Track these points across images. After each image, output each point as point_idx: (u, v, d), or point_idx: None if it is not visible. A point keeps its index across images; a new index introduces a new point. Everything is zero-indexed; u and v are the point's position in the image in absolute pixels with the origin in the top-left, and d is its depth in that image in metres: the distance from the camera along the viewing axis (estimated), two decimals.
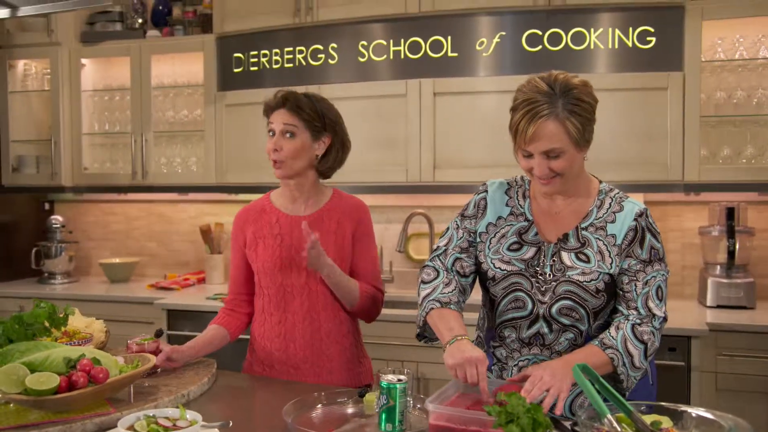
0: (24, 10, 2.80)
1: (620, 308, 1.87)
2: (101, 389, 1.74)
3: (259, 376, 2.30)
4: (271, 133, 2.24)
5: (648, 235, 1.86)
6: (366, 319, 2.36)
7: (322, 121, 2.23)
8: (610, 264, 1.86)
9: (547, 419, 1.48)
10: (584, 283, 1.86)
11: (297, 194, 2.31)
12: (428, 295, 1.97)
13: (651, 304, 1.84)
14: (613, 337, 1.80)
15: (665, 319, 1.86)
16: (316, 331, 2.25)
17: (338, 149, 2.29)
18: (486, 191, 2.03)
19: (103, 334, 2.37)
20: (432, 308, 1.93)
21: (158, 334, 2.24)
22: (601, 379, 1.56)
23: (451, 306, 1.92)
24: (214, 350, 2.30)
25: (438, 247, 2.06)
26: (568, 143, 1.77)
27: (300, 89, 3.53)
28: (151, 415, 1.61)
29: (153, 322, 3.69)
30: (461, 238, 2.02)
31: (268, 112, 2.27)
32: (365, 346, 2.43)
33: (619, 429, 1.42)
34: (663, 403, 1.54)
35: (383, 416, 1.62)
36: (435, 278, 2.00)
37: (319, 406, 1.84)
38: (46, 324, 2.00)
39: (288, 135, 2.20)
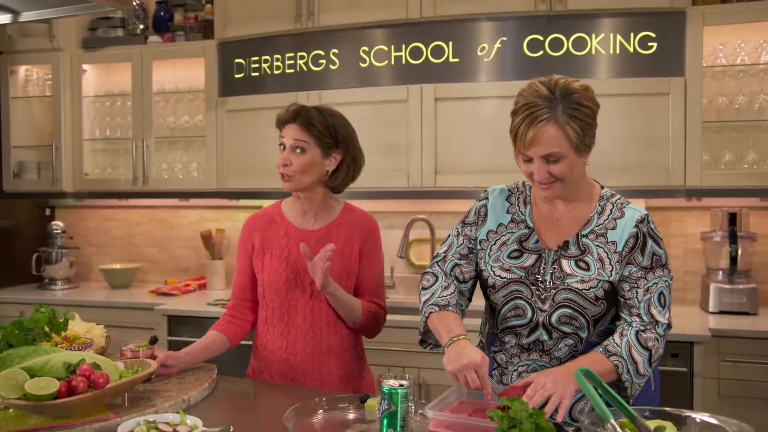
0: (25, 16, 2.80)
1: (623, 315, 1.86)
2: (101, 394, 1.73)
3: (259, 381, 2.29)
4: (281, 147, 2.23)
5: (649, 242, 1.85)
6: (367, 335, 2.36)
7: (334, 137, 2.22)
8: (610, 271, 1.85)
9: (550, 425, 1.47)
10: (583, 291, 1.85)
11: (306, 207, 2.30)
12: (427, 300, 1.98)
13: (653, 311, 1.83)
14: (617, 344, 1.79)
15: (669, 325, 1.84)
16: (317, 346, 2.25)
17: (349, 166, 2.27)
18: (487, 198, 2.03)
19: (104, 340, 2.36)
20: (431, 312, 1.94)
21: (153, 340, 2.23)
22: (604, 384, 1.55)
23: (449, 308, 1.93)
24: (212, 356, 2.28)
25: (438, 253, 2.07)
26: (568, 148, 1.77)
27: (301, 95, 3.61)
28: (151, 420, 1.61)
29: (153, 328, 3.68)
30: (461, 245, 2.02)
31: (279, 125, 2.26)
32: (367, 352, 2.42)
33: None
34: (666, 408, 1.53)
35: (385, 422, 1.61)
36: (434, 283, 2.01)
37: (320, 411, 1.83)
38: (46, 329, 1.99)
39: (298, 150, 2.19)
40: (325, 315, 2.25)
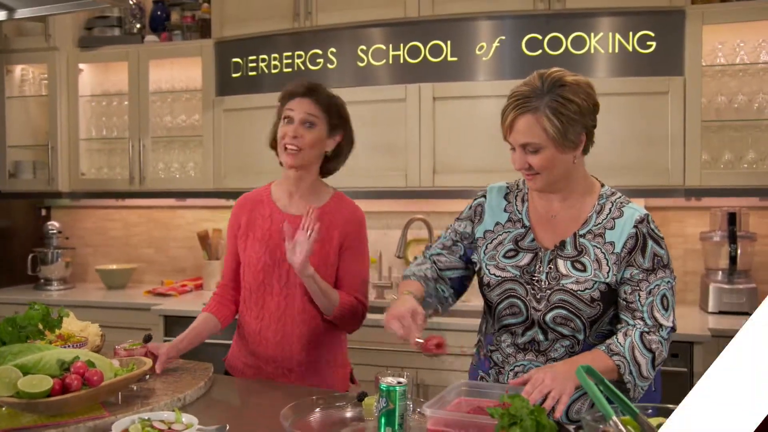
0: (21, 13, 2.77)
1: (626, 318, 1.83)
2: (96, 392, 1.71)
3: (255, 379, 2.28)
4: (286, 120, 2.21)
5: (650, 242, 1.82)
6: (345, 330, 2.32)
7: (338, 117, 2.23)
8: (607, 273, 1.83)
9: (551, 422, 1.46)
10: (578, 292, 1.83)
11: (294, 189, 2.29)
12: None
13: (657, 315, 1.80)
14: (620, 343, 1.77)
15: (674, 328, 1.82)
16: (288, 334, 2.23)
17: (344, 148, 2.29)
18: (484, 196, 2.03)
19: (99, 338, 2.33)
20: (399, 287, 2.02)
21: (147, 339, 2.21)
22: (606, 380, 1.53)
23: (411, 277, 2.00)
24: (206, 339, 2.31)
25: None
26: (546, 140, 1.76)
27: None
28: (146, 418, 1.58)
29: (150, 328, 3.64)
30: (447, 237, 2.08)
31: (288, 97, 2.23)
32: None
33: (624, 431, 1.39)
34: (669, 405, 1.50)
35: (383, 420, 1.59)
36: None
37: (317, 410, 1.81)
38: (40, 326, 1.96)
39: (307, 125, 2.19)
40: (299, 304, 2.22)
